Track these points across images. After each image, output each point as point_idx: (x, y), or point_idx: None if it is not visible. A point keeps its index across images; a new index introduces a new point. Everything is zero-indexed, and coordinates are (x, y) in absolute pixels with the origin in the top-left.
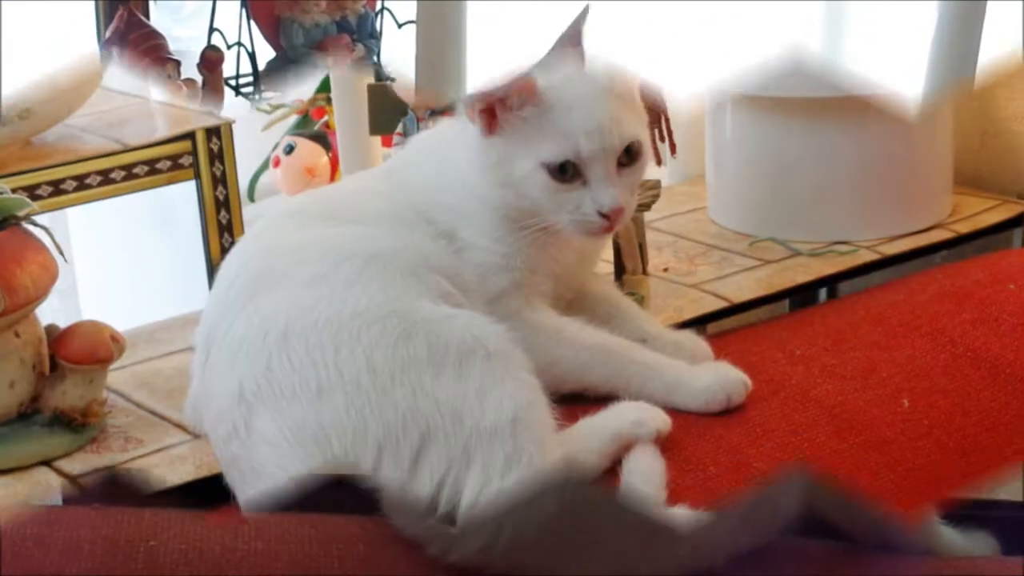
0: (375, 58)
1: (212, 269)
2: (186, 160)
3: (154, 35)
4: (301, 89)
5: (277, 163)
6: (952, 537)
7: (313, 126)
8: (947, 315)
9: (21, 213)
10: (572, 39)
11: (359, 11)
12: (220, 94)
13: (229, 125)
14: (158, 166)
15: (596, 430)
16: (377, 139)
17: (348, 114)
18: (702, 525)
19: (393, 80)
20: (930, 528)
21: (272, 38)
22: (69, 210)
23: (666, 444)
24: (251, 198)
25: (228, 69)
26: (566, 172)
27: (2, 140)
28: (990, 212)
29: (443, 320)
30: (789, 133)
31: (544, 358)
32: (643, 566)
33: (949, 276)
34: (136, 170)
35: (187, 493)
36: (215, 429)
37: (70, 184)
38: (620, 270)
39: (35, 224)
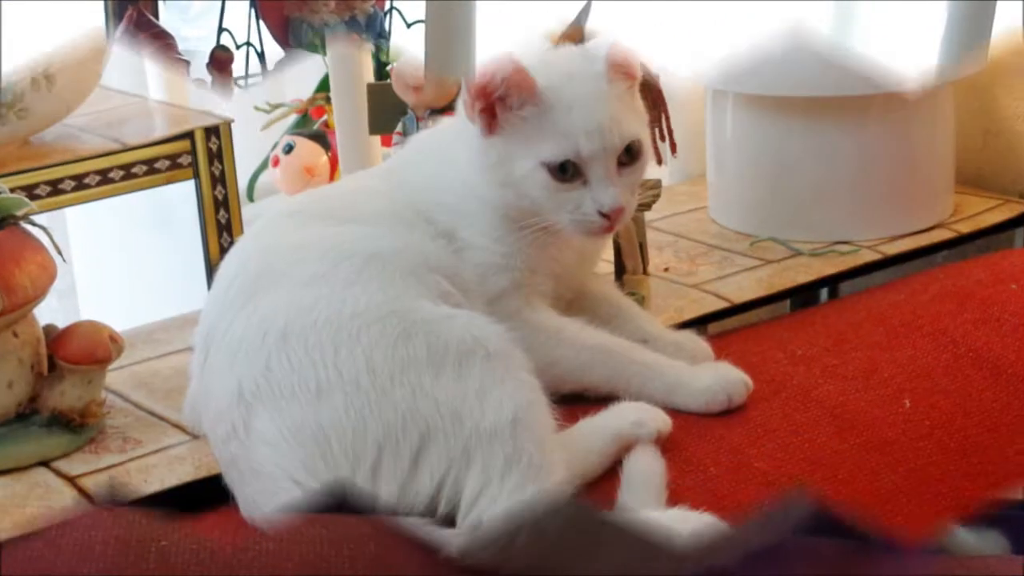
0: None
1: (211, 269)
2: (185, 159)
3: (163, 35)
4: (300, 88)
5: (276, 162)
6: (963, 536)
7: (312, 125)
8: (949, 315)
9: (19, 213)
10: (574, 35)
11: (368, 11)
12: (229, 94)
13: (228, 124)
14: (157, 166)
15: (596, 430)
16: (376, 138)
17: (347, 113)
18: (703, 543)
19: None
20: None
21: (281, 38)
22: (68, 210)
23: (667, 445)
24: (250, 198)
25: (237, 69)
26: (566, 172)
27: (0, 139)
28: (992, 212)
29: (443, 320)
30: (790, 132)
31: (544, 358)
32: None
33: (951, 276)
34: (135, 170)
35: (186, 493)
36: (214, 429)
37: (68, 184)
38: (620, 270)
39: (33, 224)
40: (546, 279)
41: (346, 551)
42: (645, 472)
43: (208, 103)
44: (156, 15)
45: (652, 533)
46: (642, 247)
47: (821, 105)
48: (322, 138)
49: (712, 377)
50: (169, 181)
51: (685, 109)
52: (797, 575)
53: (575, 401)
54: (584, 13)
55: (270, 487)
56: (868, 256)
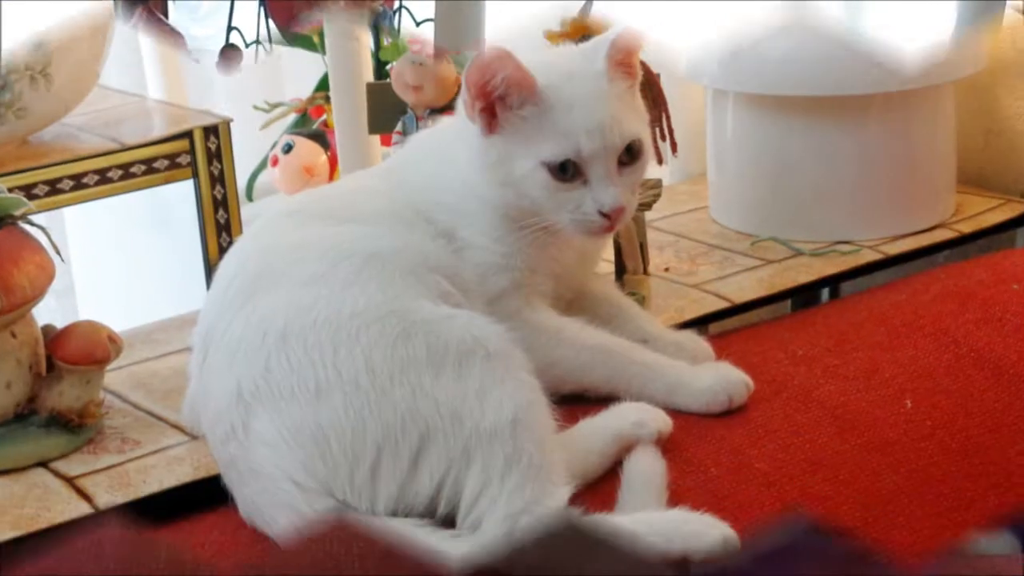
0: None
1: (210, 269)
2: (184, 159)
3: (173, 34)
4: (299, 87)
5: (275, 162)
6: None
7: (312, 125)
8: (950, 315)
9: (18, 213)
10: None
11: (377, 9)
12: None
13: (227, 124)
14: (155, 165)
15: (597, 431)
16: (376, 138)
17: (347, 113)
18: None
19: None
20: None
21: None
22: (66, 209)
23: (667, 445)
24: (249, 197)
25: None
26: (567, 171)
27: None
28: (993, 212)
29: (443, 320)
30: (791, 132)
31: (544, 358)
32: None
33: (952, 276)
34: (133, 169)
35: (185, 494)
36: (213, 430)
37: (67, 183)
38: (621, 270)
39: (32, 224)
40: (546, 279)
41: (356, 549)
42: (646, 473)
43: (207, 102)
44: (165, 14)
45: (648, 552)
46: (642, 247)
47: (822, 104)
48: (321, 137)
49: (713, 377)
50: (168, 181)
51: (686, 108)
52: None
53: (575, 401)
54: (587, 5)
55: (269, 488)
56: (869, 256)
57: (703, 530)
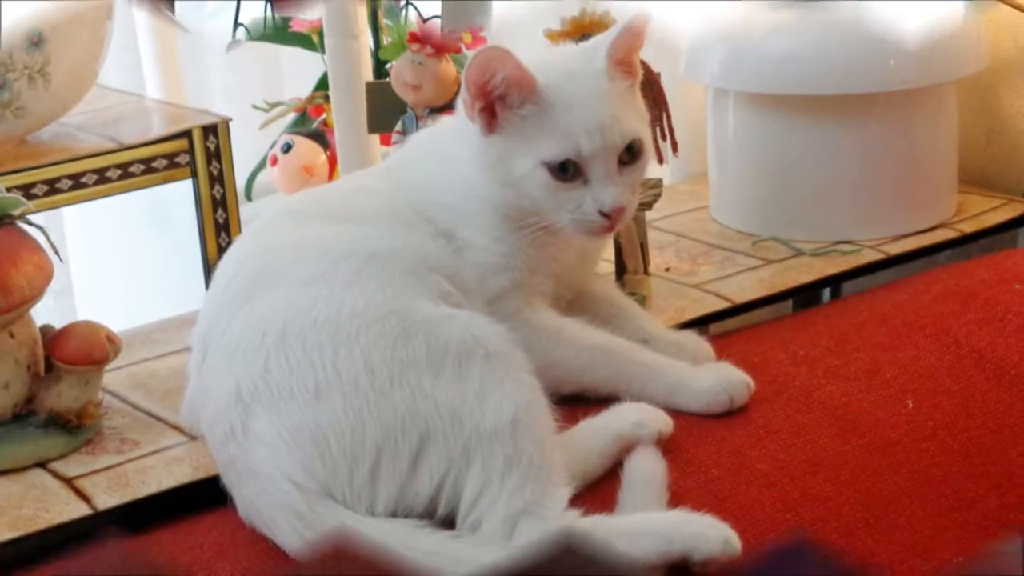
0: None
1: (209, 269)
2: (183, 159)
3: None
4: (298, 86)
5: (274, 161)
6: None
7: (311, 124)
8: (952, 315)
9: (16, 212)
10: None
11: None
12: None
13: (226, 123)
14: (154, 165)
15: (597, 431)
16: (375, 137)
17: (346, 112)
18: None
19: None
20: None
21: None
22: (64, 209)
23: (668, 446)
24: (248, 197)
25: None
26: (567, 171)
27: None
28: (995, 211)
29: (442, 320)
30: (792, 131)
31: (544, 359)
32: None
33: (954, 276)
34: (132, 169)
35: (184, 495)
36: (212, 430)
37: (65, 183)
38: (621, 270)
39: (30, 223)
40: (546, 279)
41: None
42: (646, 473)
43: (206, 102)
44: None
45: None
46: (643, 247)
47: (823, 103)
48: (321, 137)
49: (714, 378)
50: (167, 180)
51: (686, 107)
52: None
53: (575, 402)
54: None
55: (268, 488)
56: (870, 256)
57: (704, 531)
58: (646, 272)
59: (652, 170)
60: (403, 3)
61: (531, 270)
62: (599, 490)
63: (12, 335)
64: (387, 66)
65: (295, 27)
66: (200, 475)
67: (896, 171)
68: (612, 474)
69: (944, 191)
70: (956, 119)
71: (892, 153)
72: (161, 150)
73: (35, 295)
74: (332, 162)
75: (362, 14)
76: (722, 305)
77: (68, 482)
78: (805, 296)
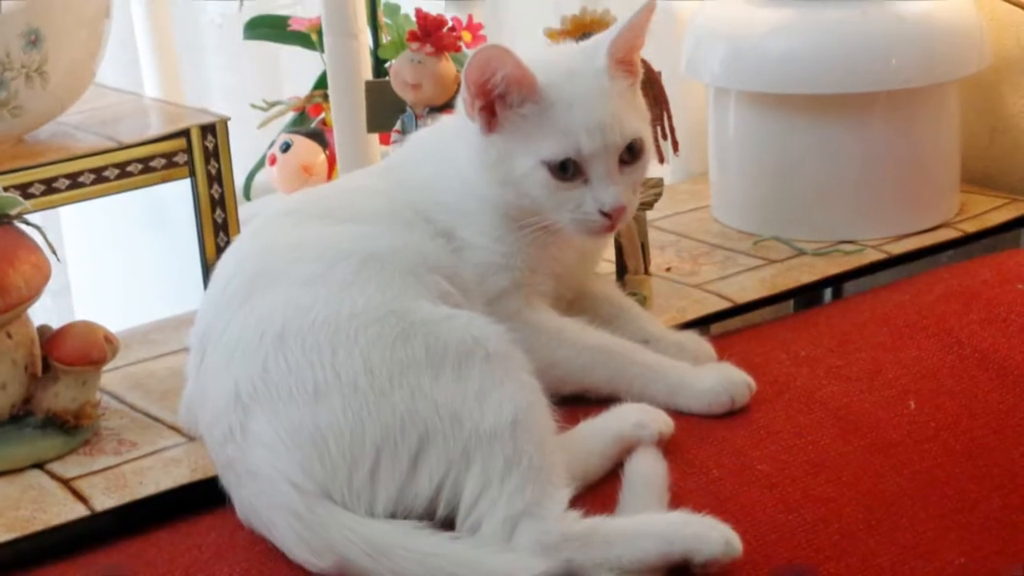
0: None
1: (207, 269)
2: (181, 158)
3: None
4: (297, 85)
5: (273, 161)
6: None
7: (310, 123)
8: (954, 315)
9: (13, 212)
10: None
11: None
12: None
13: (224, 122)
14: (152, 164)
15: (597, 432)
16: (375, 137)
17: (345, 111)
18: None
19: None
20: None
21: None
22: (62, 209)
23: (668, 446)
24: (247, 196)
25: None
26: (567, 170)
27: None
28: (998, 211)
29: (442, 321)
30: (793, 130)
31: (544, 359)
32: None
33: (956, 276)
34: (130, 168)
35: (182, 496)
36: (210, 431)
37: (63, 182)
38: (622, 270)
39: (27, 223)
40: (546, 279)
41: None
42: (647, 474)
43: (204, 101)
44: None
45: None
46: (644, 246)
47: (825, 103)
48: (320, 136)
49: (715, 378)
50: (165, 180)
51: (687, 107)
52: None
53: (576, 402)
54: None
55: (267, 489)
56: (872, 256)
57: (705, 532)
58: (647, 272)
59: (653, 169)
60: None
61: (531, 270)
62: (599, 491)
63: (9, 335)
64: (386, 65)
65: (294, 25)
66: (198, 476)
67: (898, 170)
68: (613, 475)
69: (946, 191)
70: (958, 118)
71: (894, 152)
72: (159, 149)
73: (32, 295)
74: (331, 161)
75: (361, 13)
76: (723, 305)
77: (66, 483)
78: (807, 296)
